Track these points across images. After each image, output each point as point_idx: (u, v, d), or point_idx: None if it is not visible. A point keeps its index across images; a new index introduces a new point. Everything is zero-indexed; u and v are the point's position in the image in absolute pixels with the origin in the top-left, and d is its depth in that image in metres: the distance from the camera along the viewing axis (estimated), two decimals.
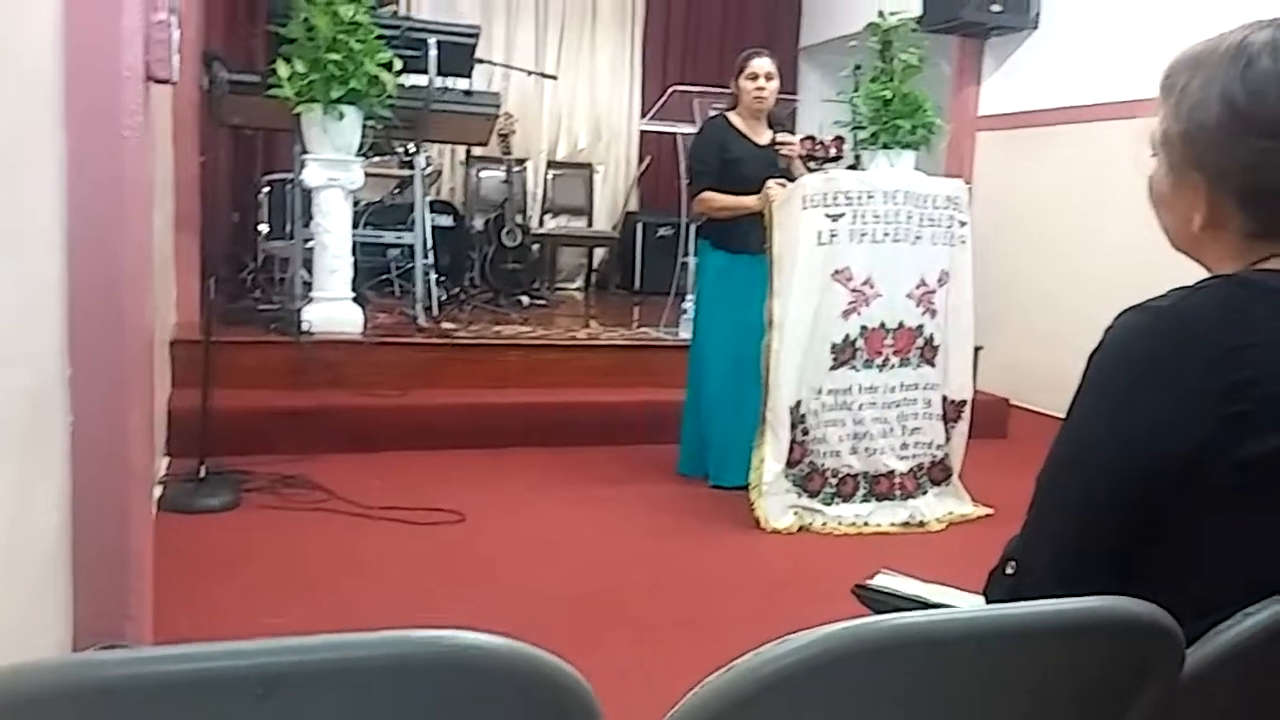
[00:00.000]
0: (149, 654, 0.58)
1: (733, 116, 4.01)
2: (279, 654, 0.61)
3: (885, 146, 5.63)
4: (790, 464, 3.60)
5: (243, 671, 0.60)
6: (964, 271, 3.79)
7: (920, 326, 3.71)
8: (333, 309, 4.65)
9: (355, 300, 4.77)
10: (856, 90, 5.74)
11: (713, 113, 4.28)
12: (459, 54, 5.20)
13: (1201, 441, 0.88)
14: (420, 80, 5.00)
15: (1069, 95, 5.56)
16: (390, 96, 4.54)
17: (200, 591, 2.73)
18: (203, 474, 3.52)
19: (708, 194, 3.92)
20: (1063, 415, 0.99)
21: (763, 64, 3.94)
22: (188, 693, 0.59)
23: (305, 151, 4.57)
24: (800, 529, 3.58)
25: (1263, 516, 0.89)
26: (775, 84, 3.96)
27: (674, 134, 5.73)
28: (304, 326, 4.52)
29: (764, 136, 3.98)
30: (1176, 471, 0.90)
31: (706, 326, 4.04)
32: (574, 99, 8.08)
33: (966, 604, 1.14)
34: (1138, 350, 0.94)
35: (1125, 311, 0.96)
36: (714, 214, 3.94)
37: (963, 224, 3.76)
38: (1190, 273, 1.00)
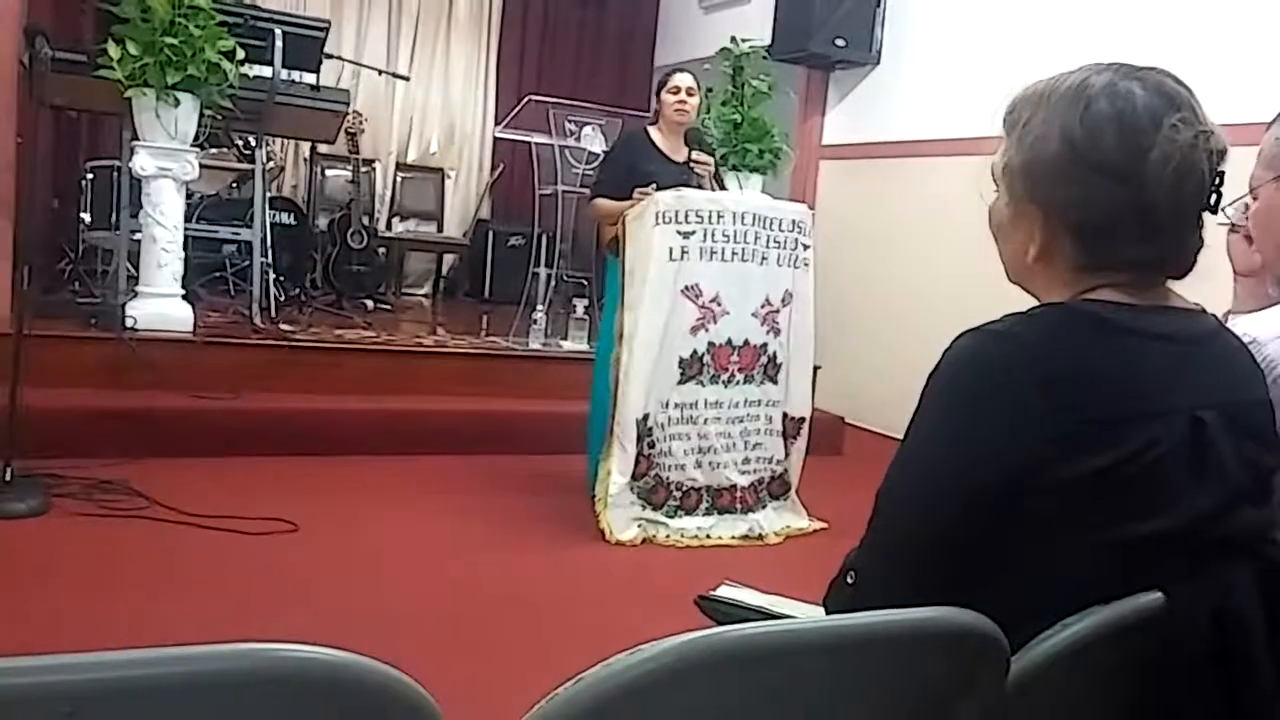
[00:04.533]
0: None
1: (653, 131, 4.04)
2: (89, 670, 0.56)
3: (734, 169, 5.77)
4: (636, 477, 3.62)
5: (47, 689, 0.54)
6: (807, 293, 3.90)
7: (765, 344, 3.80)
8: (160, 305, 4.40)
9: (185, 297, 4.53)
10: (708, 113, 5.86)
11: (584, 123, 4.24)
12: (306, 47, 5.03)
13: (1027, 462, 0.93)
14: (265, 71, 4.81)
15: (907, 130, 5.83)
16: (231, 86, 4.35)
17: (1, 602, 2.52)
18: (8, 476, 3.26)
19: (599, 201, 3.96)
20: (895, 434, 1.03)
21: (685, 79, 3.98)
22: None
23: (135, 138, 4.32)
24: (644, 541, 3.60)
25: (1081, 533, 0.94)
26: (696, 100, 4.00)
27: (529, 143, 5.71)
28: (128, 323, 4.26)
29: (681, 153, 3.99)
30: (1005, 489, 0.94)
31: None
32: (426, 101, 7.94)
33: (808, 615, 1.16)
34: (972, 372, 0.98)
35: (962, 335, 1.00)
36: (602, 221, 3.97)
37: (806, 247, 3.87)
38: (1022, 301, 1.06)
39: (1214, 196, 1.00)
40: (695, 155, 3.97)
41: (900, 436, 1.02)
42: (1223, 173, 0.99)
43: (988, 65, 5.21)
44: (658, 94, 4.04)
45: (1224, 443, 0.97)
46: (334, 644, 0.62)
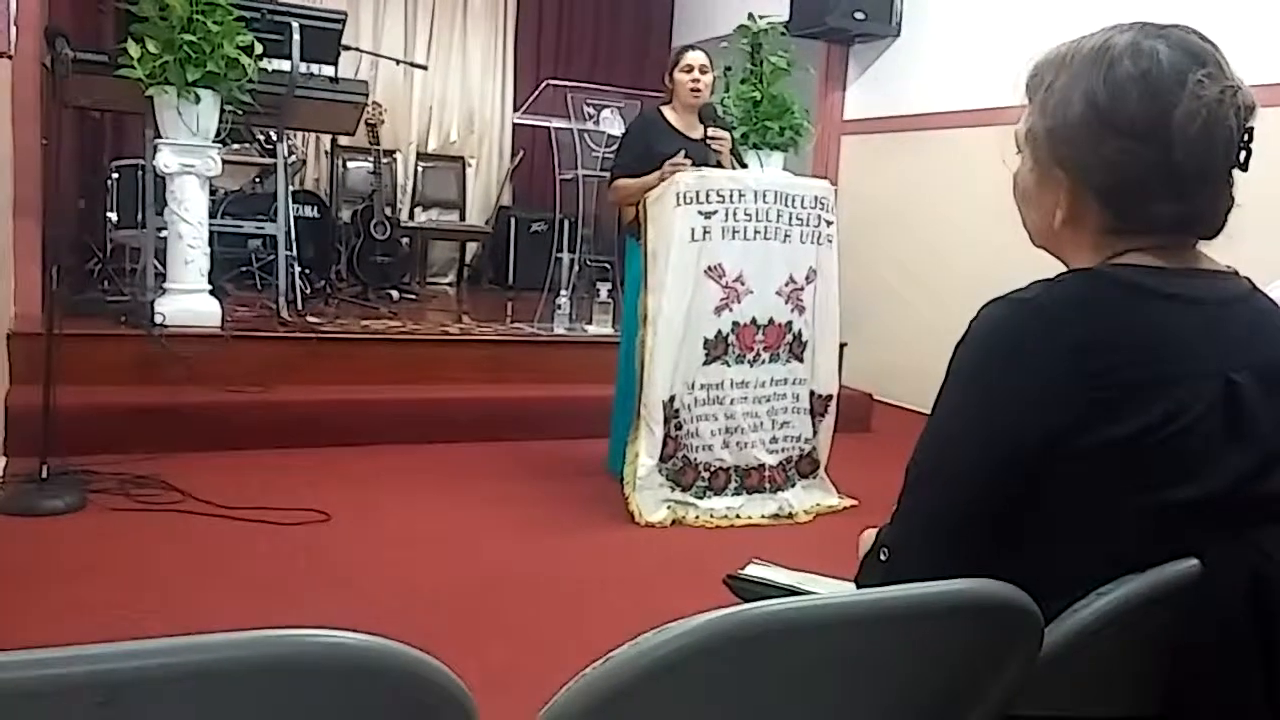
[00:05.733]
0: None
1: (667, 111, 4.01)
2: (121, 658, 0.56)
3: (755, 147, 5.72)
4: (664, 458, 3.62)
5: (81, 678, 0.55)
6: (831, 269, 3.88)
7: (789, 323, 3.78)
8: (188, 301, 4.44)
9: (212, 292, 4.57)
10: (727, 91, 5.81)
11: (602, 106, 4.22)
12: (324, 39, 5.03)
13: (1057, 429, 0.91)
14: (283, 65, 4.82)
15: (929, 102, 5.77)
16: (251, 81, 4.36)
17: (41, 597, 2.56)
18: (45, 474, 3.30)
19: (620, 181, 3.94)
20: (924, 409, 1.01)
21: (697, 57, 3.94)
22: (19, 702, 0.54)
23: (158, 136, 4.35)
24: (673, 522, 3.60)
25: (1114, 500, 0.93)
26: (709, 77, 3.96)
27: (548, 128, 5.70)
28: (157, 319, 4.30)
29: (696, 130, 3.96)
30: (1034, 457, 0.93)
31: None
32: (445, 90, 7.94)
33: (836, 590, 1.15)
34: (1001, 341, 0.96)
35: (989, 303, 0.99)
36: (625, 200, 3.95)
37: (829, 223, 3.85)
38: (1047, 270, 1.04)
39: (1243, 153, 0.97)
40: (711, 131, 3.93)
41: (929, 411, 1.01)
42: (1252, 129, 0.97)
43: (1009, 34, 5.14)
44: (670, 73, 3.99)
45: (1258, 405, 0.95)
46: (367, 629, 0.63)
